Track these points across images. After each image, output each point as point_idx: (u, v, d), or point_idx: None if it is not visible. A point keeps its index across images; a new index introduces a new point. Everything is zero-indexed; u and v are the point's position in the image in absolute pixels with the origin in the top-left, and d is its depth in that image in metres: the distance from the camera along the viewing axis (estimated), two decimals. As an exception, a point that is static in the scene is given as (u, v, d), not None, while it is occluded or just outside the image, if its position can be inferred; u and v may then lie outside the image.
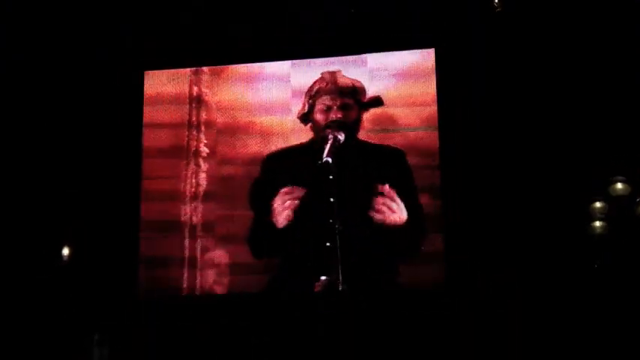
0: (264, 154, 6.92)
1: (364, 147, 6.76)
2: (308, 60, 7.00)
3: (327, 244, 6.31)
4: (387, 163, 6.71)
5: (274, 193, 6.70)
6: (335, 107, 6.79)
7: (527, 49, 6.68)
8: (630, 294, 6.12)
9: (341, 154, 6.35)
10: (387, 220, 6.53)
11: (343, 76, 6.89)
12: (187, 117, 7.09)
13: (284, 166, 6.84)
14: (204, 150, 7.02)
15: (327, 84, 6.86)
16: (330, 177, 6.21)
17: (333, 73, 6.90)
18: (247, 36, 7.05)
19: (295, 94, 6.95)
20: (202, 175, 7.00)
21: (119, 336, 6.50)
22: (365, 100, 6.82)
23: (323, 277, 6.32)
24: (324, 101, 6.82)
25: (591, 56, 6.58)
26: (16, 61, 7.13)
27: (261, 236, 6.74)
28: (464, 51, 6.73)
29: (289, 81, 6.99)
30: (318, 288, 6.33)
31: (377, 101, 6.81)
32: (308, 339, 6.43)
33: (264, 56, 7.07)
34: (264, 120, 7.00)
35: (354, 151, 6.68)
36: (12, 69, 7.12)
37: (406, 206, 6.54)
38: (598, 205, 6.34)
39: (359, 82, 6.86)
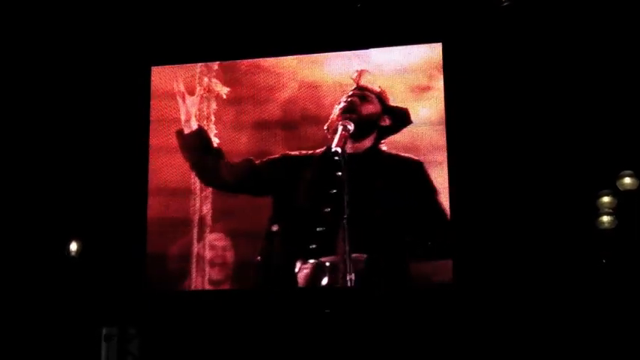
0: (277, 151, 6.91)
1: (381, 155, 6.70)
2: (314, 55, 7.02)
3: (318, 228, 6.45)
4: (405, 175, 6.65)
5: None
6: (355, 99, 6.73)
7: (535, 43, 6.65)
8: (638, 289, 6.10)
9: (358, 168, 6.47)
10: None
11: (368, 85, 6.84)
12: (197, 113, 7.14)
13: (295, 171, 6.82)
14: (215, 140, 7.05)
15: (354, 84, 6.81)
16: (339, 171, 6.28)
17: (360, 72, 6.84)
18: (252, 31, 7.05)
19: (302, 87, 6.97)
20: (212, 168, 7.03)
21: (127, 330, 6.52)
22: (391, 106, 6.73)
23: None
24: (346, 95, 6.78)
25: (599, 50, 6.53)
26: (23, 57, 7.15)
27: None
28: (471, 45, 6.70)
29: (296, 78, 7.02)
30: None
31: (404, 114, 6.67)
32: (314, 334, 6.46)
33: (270, 51, 7.07)
34: (270, 115, 7.03)
35: (370, 158, 6.67)
36: (19, 66, 7.14)
37: (427, 217, 6.55)
38: (606, 199, 6.29)
39: (385, 90, 6.79)
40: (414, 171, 6.59)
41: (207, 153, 6.96)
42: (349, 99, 6.74)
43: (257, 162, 6.87)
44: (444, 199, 6.53)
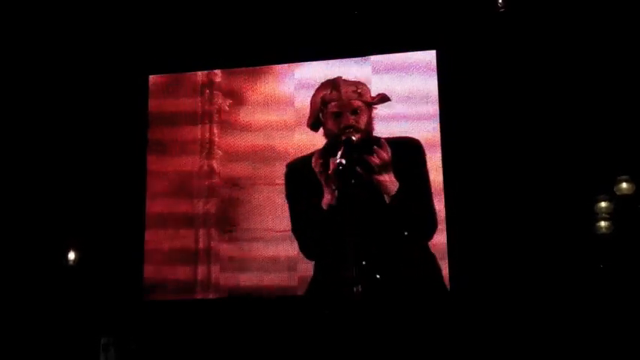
0: (283, 163, 6.93)
1: (379, 143, 6.72)
2: (311, 63, 7.05)
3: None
4: (403, 155, 6.69)
5: (303, 201, 6.77)
6: (345, 113, 6.79)
7: (531, 49, 6.65)
8: (636, 294, 6.07)
9: (356, 157, 6.40)
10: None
11: (345, 80, 6.89)
12: (197, 119, 7.17)
13: (306, 172, 6.83)
14: (218, 152, 7.08)
15: (332, 91, 6.86)
16: (353, 180, 6.32)
17: (334, 81, 6.89)
18: (249, 39, 7.07)
19: (299, 95, 7.00)
20: (215, 179, 7.05)
21: (125, 340, 6.53)
22: (371, 100, 6.81)
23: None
24: (332, 109, 6.81)
25: (595, 55, 6.53)
26: (19, 65, 7.19)
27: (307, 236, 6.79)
28: (466, 52, 6.71)
29: (293, 85, 7.04)
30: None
31: (383, 98, 6.80)
32: (314, 342, 6.46)
33: (267, 59, 7.09)
34: (269, 120, 7.05)
35: (370, 150, 6.67)
36: (16, 73, 7.18)
37: (417, 197, 6.60)
38: (603, 204, 6.29)
39: (362, 83, 6.86)
40: (413, 150, 6.69)
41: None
42: (346, 122, 6.74)
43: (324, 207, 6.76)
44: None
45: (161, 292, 6.92)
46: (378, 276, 6.50)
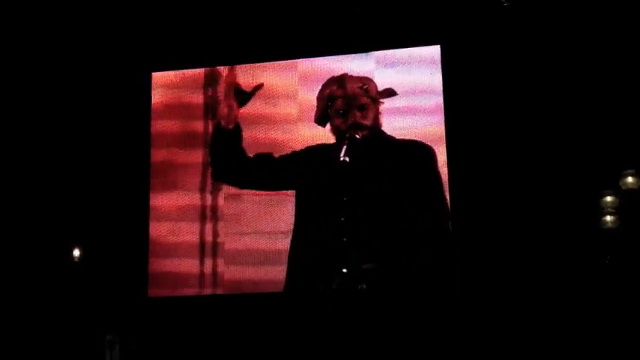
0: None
1: (390, 143, 6.72)
2: (313, 59, 7.03)
3: (344, 239, 6.41)
4: (413, 159, 6.67)
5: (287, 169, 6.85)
6: (351, 110, 6.77)
7: (535, 43, 6.64)
8: (642, 289, 6.09)
9: (363, 154, 6.40)
10: None
11: (351, 76, 6.86)
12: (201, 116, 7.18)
13: (307, 161, 6.87)
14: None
15: (338, 88, 6.84)
16: (350, 177, 6.31)
17: (340, 78, 6.86)
18: (252, 34, 7.06)
19: (302, 90, 7.02)
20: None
21: (130, 337, 6.54)
22: (378, 96, 6.79)
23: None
24: (338, 106, 6.78)
25: (600, 49, 6.51)
26: (20, 63, 7.20)
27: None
28: (470, 46, 6.69)
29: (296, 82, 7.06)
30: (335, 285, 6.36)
31: (390, 92, 6.78)
32: (319, 338, 6.45)
33: (270, 55, 7.07)
34: (270, 118, 7.06)
35: (378, 149, 6.67)
36: (16, 72, 7.19)
37: (431, 206, 6.55)
38: (609, 199, 6.28)
39: (368, 78, 6.84)
40: (425, 156, 6.63)
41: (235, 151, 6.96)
42: (353, 120, 6.71)
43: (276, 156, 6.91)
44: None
45: (166, 287, 6.93)
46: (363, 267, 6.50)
